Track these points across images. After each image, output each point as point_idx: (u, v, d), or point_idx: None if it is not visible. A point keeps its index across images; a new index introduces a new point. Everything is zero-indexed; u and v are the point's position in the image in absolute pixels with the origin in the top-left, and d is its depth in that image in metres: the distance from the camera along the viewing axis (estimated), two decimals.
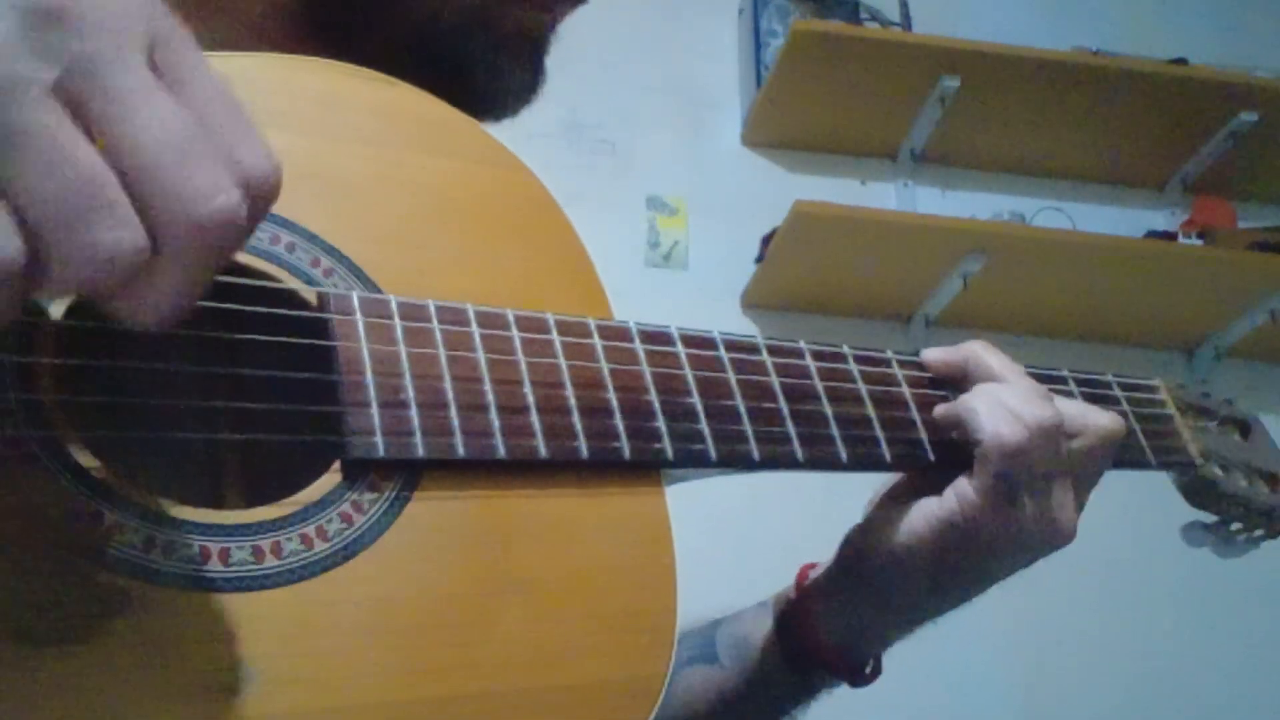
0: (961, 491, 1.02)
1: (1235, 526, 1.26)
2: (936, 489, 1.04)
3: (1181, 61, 3.83)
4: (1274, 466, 1.27)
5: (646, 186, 3.72)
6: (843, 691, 1.13)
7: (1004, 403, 1.03)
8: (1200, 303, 3.72)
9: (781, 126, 3.80)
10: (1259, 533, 1.27)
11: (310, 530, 0.81)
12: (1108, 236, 3.66)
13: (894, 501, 1.07)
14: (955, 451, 1.06)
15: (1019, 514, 1.01)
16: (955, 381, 1.08)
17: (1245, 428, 1.28)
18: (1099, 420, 1.07)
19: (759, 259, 3.60)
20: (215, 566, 0.77)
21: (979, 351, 1.08)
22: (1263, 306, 3.67)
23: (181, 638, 0.74)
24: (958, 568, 1.04)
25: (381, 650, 0.80)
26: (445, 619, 0.83)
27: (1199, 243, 3.73)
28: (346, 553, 0.81)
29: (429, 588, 0.83)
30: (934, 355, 1.09)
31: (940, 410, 1.06)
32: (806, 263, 3.47)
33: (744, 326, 3.64)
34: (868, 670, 1.10)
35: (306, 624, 0.78)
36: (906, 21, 3.87)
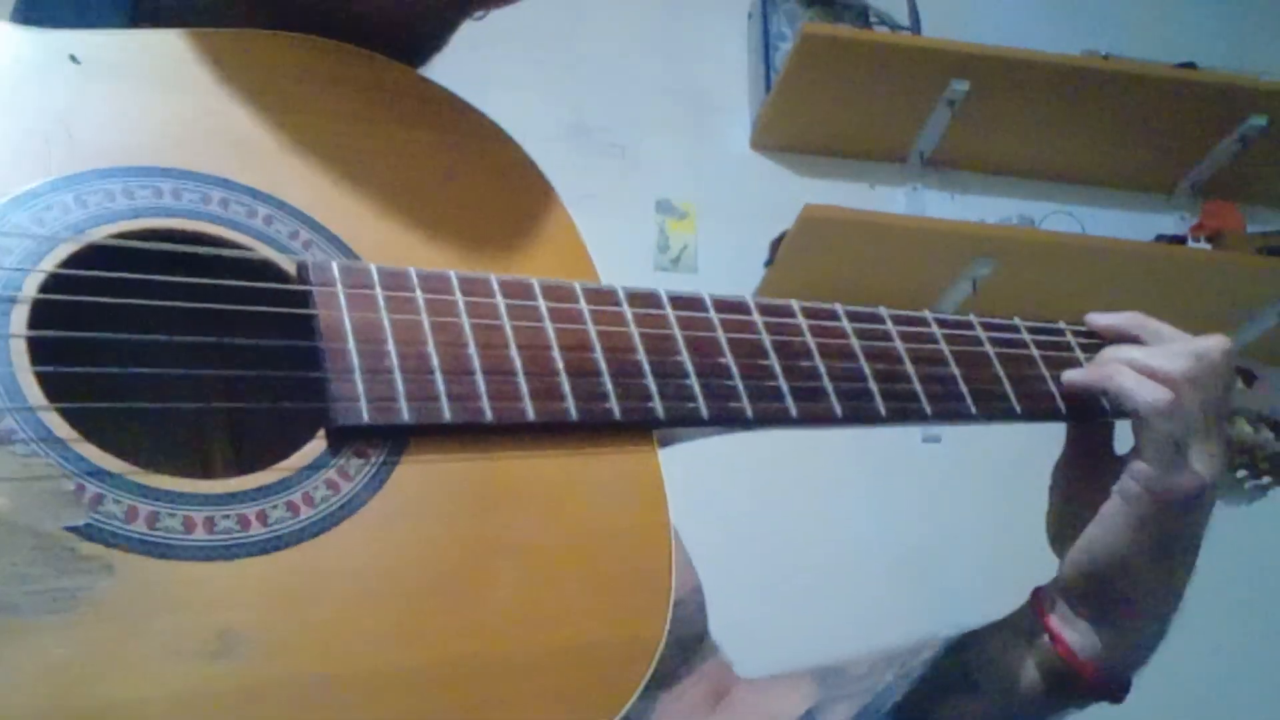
0: (1136, 470, 1.04)
1: (1241, 474, 1.26)
2: (1096, 455, 1.08)
3: (1191, 66, 3.82)
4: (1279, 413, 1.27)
5: (656, 190, 3.72)
6: None
7: (1142, 365, 1.07)
8: (1209, 306, 3.71)
9: (791, 130, 3.80)
10: (1266, 480, 1.27)
11: (296, 498, 0.81)
12: (1117, 240, 3.66)
13: (1075, 511, 1.08)
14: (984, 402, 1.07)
15: (1196, 462, 1.03)
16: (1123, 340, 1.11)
17: (1250, 376, 1.28)
18: (1214, 346, 1.09)
19: (768, 262, 3.60)
20: (200, 535, 0.77)
21: (1141, 318, 1.13)
22: (1271, 310, 3.67)
23: (168, 605, 0.74)
24: (1172, 539, 1.05)
25: (374, 616, 0.80)
26: (437, 584, 0.83)
27: (1208, 247, 3.74)
28: (334, 519, 0.81)
29: (419, 553, 0.83)
30: (1099, 319, 1.15)
31: (1075, 377, 1.09)
32: (816, 266, 3.47)
33: None
34: (1127, 688, 1.11)
35: (296, 590, 0.78)
36: (916, 25, 3.86)
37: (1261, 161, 3.89)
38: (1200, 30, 4.15)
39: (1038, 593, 1.11)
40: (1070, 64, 3.72)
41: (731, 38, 3.97)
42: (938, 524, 3.34)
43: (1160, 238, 3.82)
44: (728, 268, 3.66)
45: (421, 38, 1.12)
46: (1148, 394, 1.04)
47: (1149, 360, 1.07)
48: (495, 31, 4.02)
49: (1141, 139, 3.87)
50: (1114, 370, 1.08)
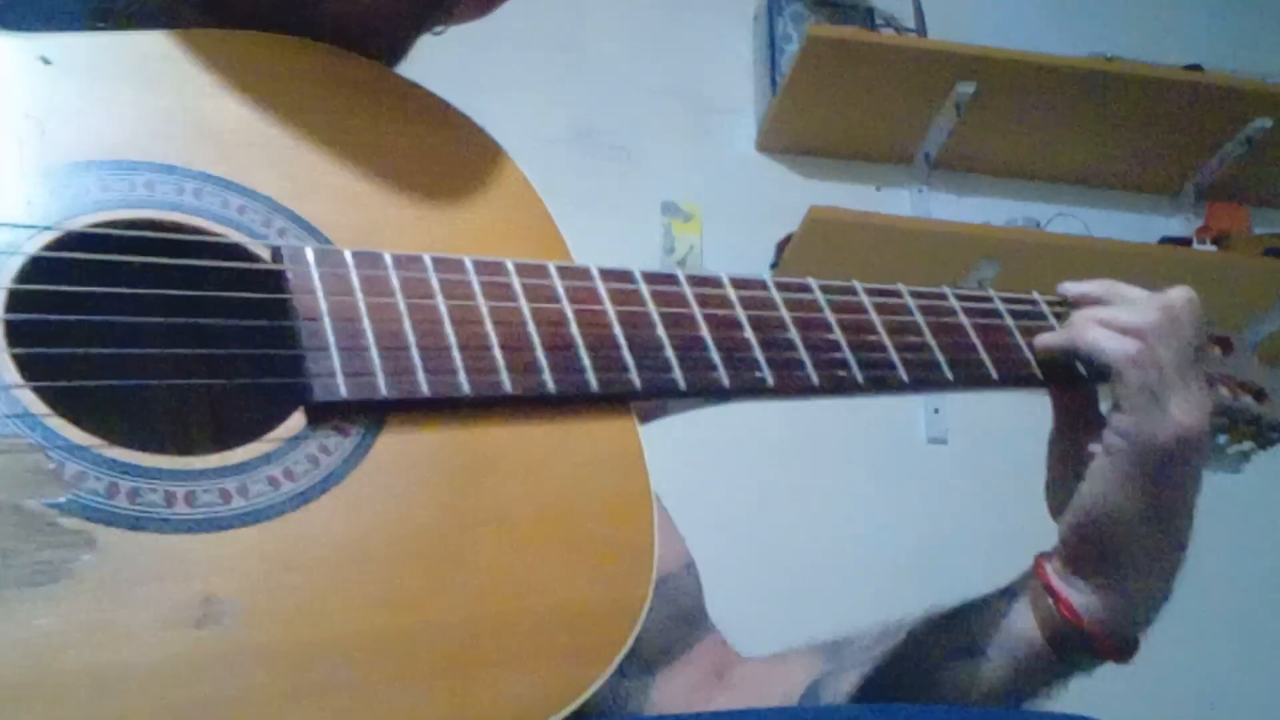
0: (1117, 422, 1.07)
1: (1223, 439, 1.27)
2: (1083, 421, 1.12)
3: (1196, 68, 3.83)
4: (1259, 380, 1.30)
5: (661, 192, 3.72)
6: None
7: (1110, 320, 1.10)
8: (1215, 308, 3.66)
9: (796, 132, 3.80)
10: (1248, 444, 1.28)
11: (277, 472, 0.82)
12: (1122, 242, 3.66)
13: (1067, 475, 1.11)
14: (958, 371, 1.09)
15: (1176, 410, 1.05)
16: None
17: (1226, 344, 1.31)
18: (1178, 296, 1.12)
19: (774, 265, 3.60)
20: (182, 509, 0.78)
21: (1110, 283, 1.16)
22: (1277, 311, 3.66)
23: (151, 576, 0.75)
24: (1161, 491, 1.06)
25: (357, 582, 0.80)
26: (420, 552, 0.83)
27: (1213, 248, 3.73)
28: (316, 491, 0.82)
29: (401, 523, 0.84)
30: (1070, 287, 1.18)
31: (1047, 339, 1.12)
32: (821, 268, 3.45)
33: None
34: (1134, 647, 1.12)
35: (280, 559, 0.79)
36: (921, 27, 3.86)
37: (1267, 163, 3.88)
38: (1206, 32, 4.15)
39: (1040, 557, 1.12)
40: (1076, 66, 3.72)
41: (737, 40, 3.97)
42: (943, 525, 3.33)
43: (1165, 240, 3.82)
44: (733, 269, 3.65)
45: (377, 50, 1.13)
46: (1117, 346, 1.08)
47: (1116, 315, 1.10)
48: (500, 35, 4.02)
49: (1147, 141, 3.87)
50: (1083, 328, 1.11)
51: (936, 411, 3.48)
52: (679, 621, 1.26)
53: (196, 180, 0.93)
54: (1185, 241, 3.79)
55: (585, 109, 3.76)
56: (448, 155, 1.08)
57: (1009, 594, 1.14)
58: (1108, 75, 3.73)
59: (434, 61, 4.01)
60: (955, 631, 1.15)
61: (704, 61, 3.93)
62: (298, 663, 0.75)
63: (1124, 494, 1.06)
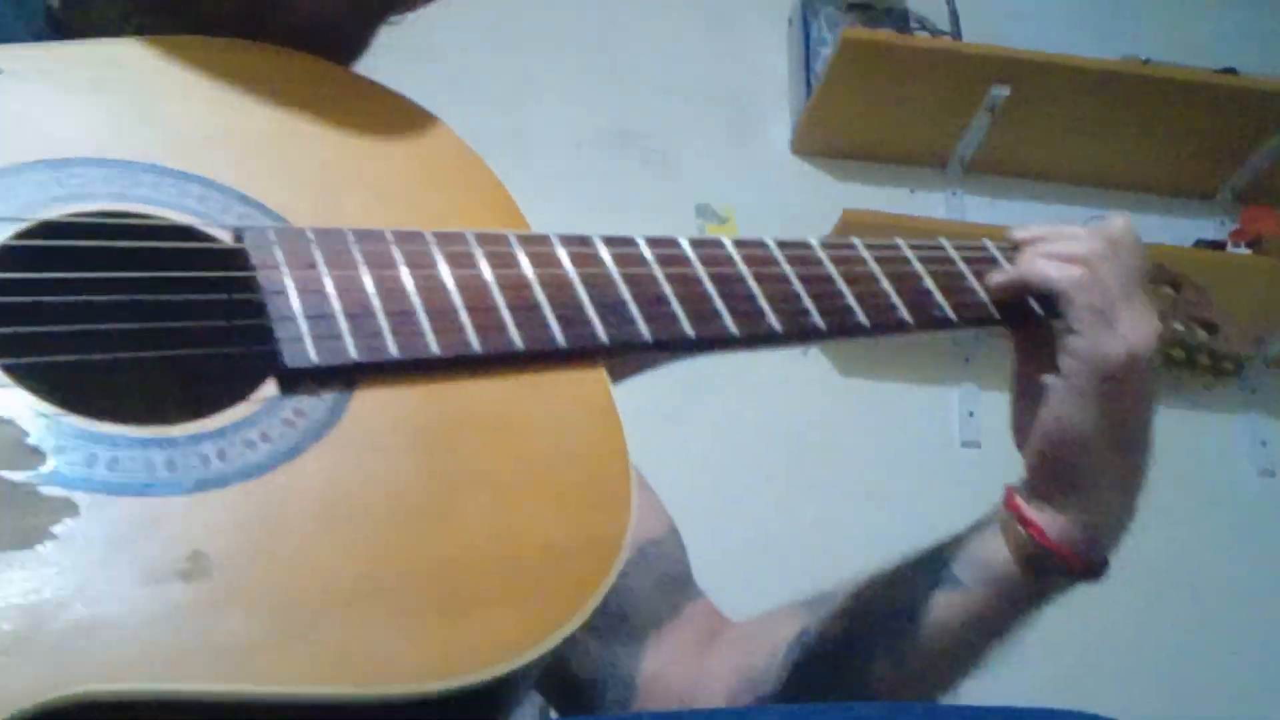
0: (1069, 345, 1.11)
1: (1177, 373, 1.32)
2: (1041, 355, 1.15)
3: (1231, 71, 3.82)
4: (1211, 315, 1.35)
5: (696, 194, 3.72)
6: None
7: (1053, 252, 1.15)
8: (1249, 311, 3.69)
9: (831, 135, 3.81)
10: (1205, 377, 1.34)
11: (254, 435, 0.83)
12: (1157, 246, 3.65)
13: (1030, 407, 1.14)
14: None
15: (1124, 328, 1.10)
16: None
17: (1178, 284, 1.37)
18: (1117, 223, 1.18)
19: None
20: (161, 474, 0.79)
21: (1055, 225, 1.21)
22: None
23: (136, 536, 0.76)
24: (1117, 409, 1.11)
25: (342, 534, 0.81)
26: (402, 504, 0.85)
27: (1248, 252, 3.72)
28: (294, 451, 0.83)
29: (382, 478, 0.86)
30: (1017, 232, 1.21)
31: (997, 277, 1.16)
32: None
33: None
34: (1104, 565, 1.17)
35: (264, 515, 0.80)
36: (956, 30, 3.86)
37: None
38: (1241, 35, 4.14)
39: (1009, 489, 1.17)
40: (1110, 69, 3.72)
41: (772, 43, 3.98)
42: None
43: (1200, 243, 3.82)
44: None
45: (340, 47, 1.17)
46: (1063, 273, 1.13)
47: (1060, 247, 1.16)
48: (536, 38, 4.04)
49: (1182, 144, 3.86)
50: (1030, 261, 1.16)
51: (971, 415, 3.49)
52: (666, 586, 1.29)
53: (153, 173, 0.95)
54: (1220, 245, 3.79)
55: (621, 112, 3.77)
56: (403, 142, 1.11)
57: (982, 527, 1.18)
58: (1142, 78, 3.73)
59: (470, 65, 4.03)
60: (934, 566, 1.18)
61: (739, 65, 3.93)
62: (287, 609, 0.76)
63: (1082, 415, 1.10)
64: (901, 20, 3.89)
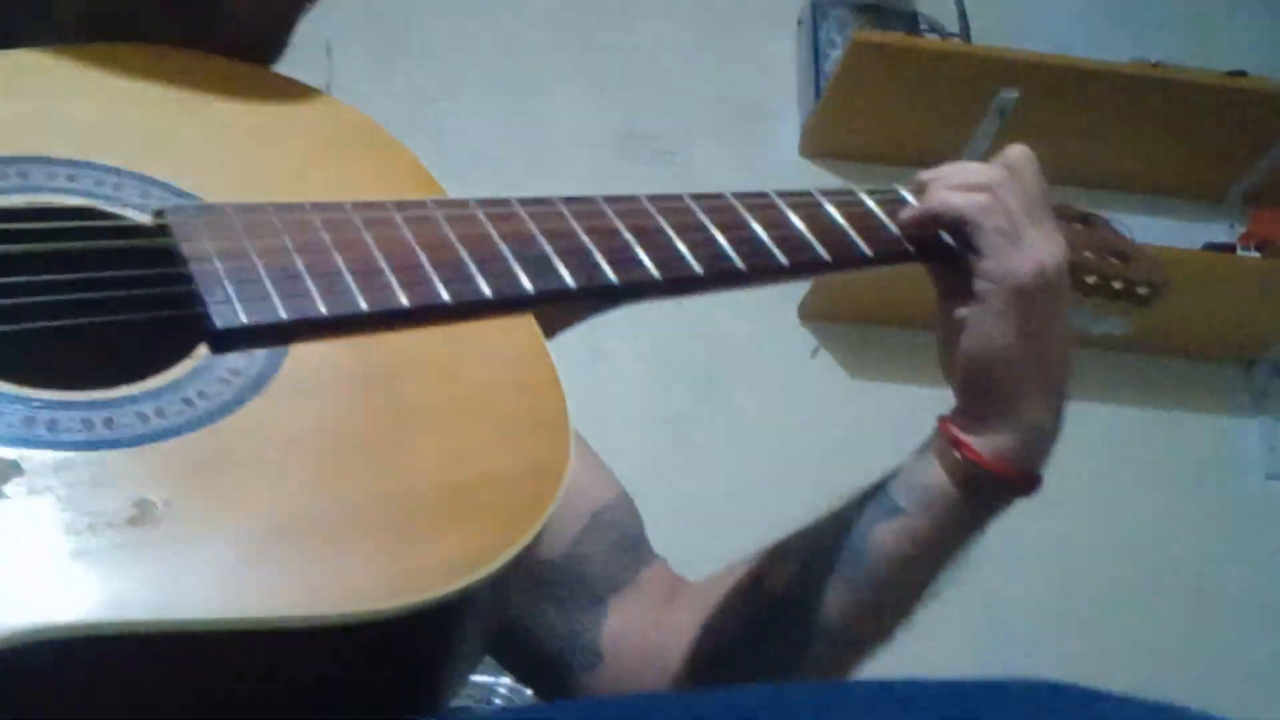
0: (981, 268, 1.16)
1: (1096, 300, 1.35)
2: (960, 290, 1.18)
3: (1241, 74, 3.81)
4: (1123, 246, 1.40)
5: None
6: None
7: (958, 183, 1.21)
8: (1259, 315, 3.70)
9: (840, 137, 3.81)
10: (1122, 303, 1.37)
11: (191, 394, 0.85)
12: (1165, 248, 3.63)
13: (954, 341, 1.19)
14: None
15: (1031, 248, 1.16)
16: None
17: (1085, 219, 1.41)
18: (1014, 150, 1.25)
19: None
20: (101, 432, 0.80)
21: (958, 163, 1.26)
22: None
23: (80, 488, 0.76)
24: (1033, 324, 1.15)
25: (290, 473, 0.83)
26: (346, 443, 0.86)
27: (1257, 255, 3.72)
28: (233, 405, 0.85)
29: (323, 421, 0.87)
30: (924, 174, 1.26)
31: (907, 213, 1.21)
32: (863, 274, 3.46)
33: (802, 337, 3.65)
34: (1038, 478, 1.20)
35: (209, 462, 0.81)
36: (965, 33, 3.86)
37: None
38: (1251, 38, 4.14)
39: (941, 418, 1.21)
40: (1120, 72, 3.72)
41: (781, 45, 3.98)
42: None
43: (1209, 246, 3.81)
44: None
45: (267, 45, 1.21)
46: (967, 199, 1.18)
47: (963, 177, 1.22)
48: (547, 39, 4.03)
49: (1191, 147, 3.86)
50: (936, 193, 1.21)
51: None
52: (621, 550, 1.31)
53: (69, 167, 0.97)
54: (1229, 248, 3.78)
55: (631, 113, 3.78)
56: (318, 127, 1.13)
57: (919, 455, 1.21)
58: (1151, 81, 3.73)
59: (482, 65, 4.03)
60: (877, 498, 1.21)
61: (748, 66, 3.94)
62: (240, 542, 0.77)
63: (1000, 334, 1.15)
64: (911, 22, 3.89)
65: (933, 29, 3.90)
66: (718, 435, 3.48)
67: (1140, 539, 3.52)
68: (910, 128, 3.78)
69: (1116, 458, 3.61)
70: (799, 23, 3.97)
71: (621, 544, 1.31)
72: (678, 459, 3.38)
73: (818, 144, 3.84)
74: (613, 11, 3.90)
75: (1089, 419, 3.60)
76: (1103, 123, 3.78)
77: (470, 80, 3.73)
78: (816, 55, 3.85)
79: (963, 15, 3.88)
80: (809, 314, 3.68)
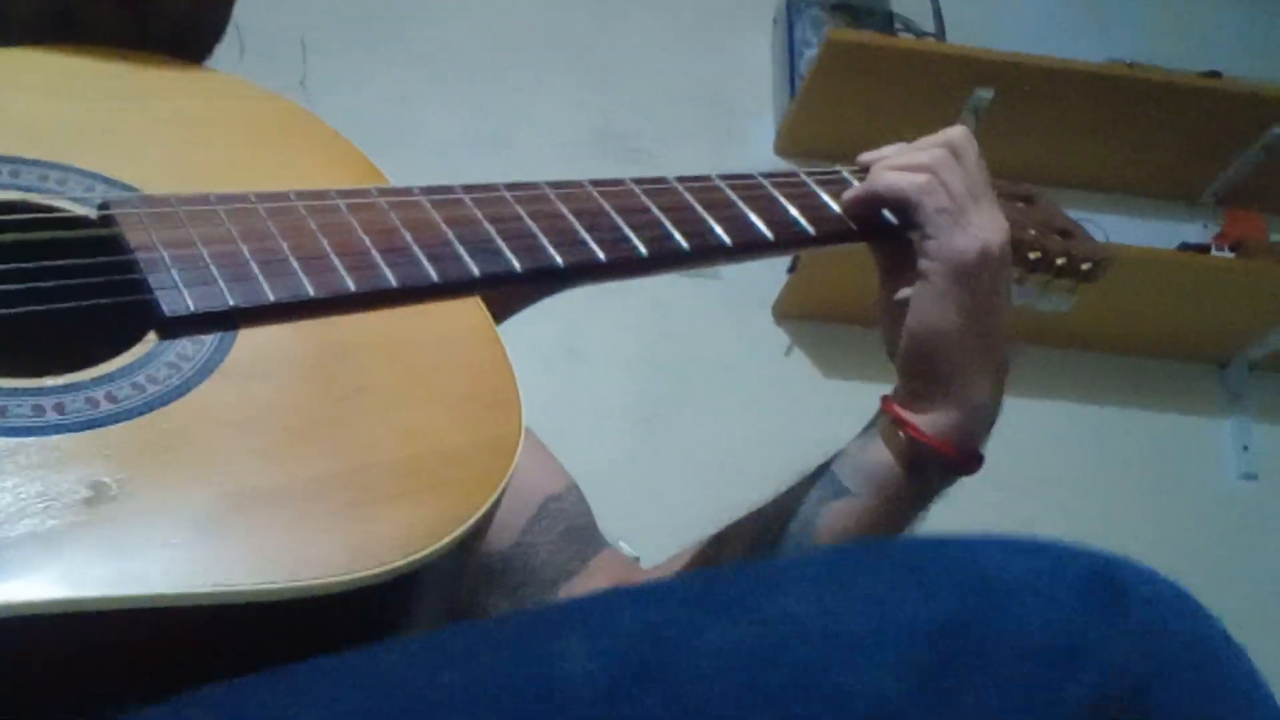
0: (924, 248, 1.18)
1: (1040, 276, 1.38)
2: (903, 269, 1.21)
3: (1216, 74, 3.82)
4: (1065, 224, 1.42)
5: None
6: None
7: (899, 164, 1.23)
8: (1233, 316, 3.71)
9: (815, 136, 3.80)
10: (1065, 279, 1.39)
11: (141, 379, 0.85)
12: (1140, 248, 3.66)
13: (897, 322, 1.21)
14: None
15: (973, 227, 1.18)
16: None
17: (1029, 198, 1.43)
18: (956, 131, 1.26)
19: (791, 269, 3.60)
20: (53, 417, 0.80)
21: (900, 145, 1.28)
22: None
23: (34, 471, 0.77)
24: (974, 302, 1.17)
25: (246, 451, 0.83)
26: (299, 422, 0.86)
27: (1231, 255, 3.73)
28: (184, 389, 0.85)
29: (277, 402, 0.87)
30: (867, 155, 1.30)
31: (850, 193, 1.23)
32: (839, 273, 3.47)
33: (776, 337, 3.65)
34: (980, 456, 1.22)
35: (162, 443, 0.81)
36: (941, 32, 3.86)
37: None
38: (1226, 39, 4.15)
39: (885, 398, 1.23)
40: (1095, 72, 3.73)
41: (756, 44, 3.97)
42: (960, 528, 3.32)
43: (1184, 246, 3.82)
44: (750, 274, 3.66)
45: (205, 38, 1.23)
46: (908, 180, 1.20)
47: (904, 158, 1.24)
48: (523, 38, 4.02)
49: (1166, 147, 3.87)
50: (878, 174, 1.23)
51: None
52: (571, 538, 1.31)
53: (11, 164, 0.97)
54: (1204, 248, 3.79)
55: (606, 112, 3.77)
56: (256, 119, 1.14)
57: (864, 436, 1.23)
58: (1126, 81, 3.74)
59: (459, 62, 4.02)
60: (822, 479, 1.23)
61: (723, 65, 3.93)
62: (196, 518, 0.77)
63: (942, 312, 1.17)
64: (886, 22, 3.89)
65: (908, 28, 3.90)
66: (692, 434, 3.48)
67: (1113, 539, 3.49)
68: (885, 127, 3.72)
69: (1090, 457, 3.62)
70: (774, 22, 3.97)
71: (571, 533, 1.32)
72: (652, 458, 3.37)
73: (793, 143, 3.83)
74: (588, 11, 3.90)
75: (1062, 419, 3.61)
76: (1078, 123, 3.78)
77: (445, 79, 3.72)
78: (791, 54, 3.85)
79: (938, 14, 3.88)
80: (783, 314, 3.67)
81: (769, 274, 3.64)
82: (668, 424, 3.46)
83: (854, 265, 3.46)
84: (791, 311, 3.66)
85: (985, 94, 3.64)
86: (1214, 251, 3.77)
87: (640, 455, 3.34)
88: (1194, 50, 3.98)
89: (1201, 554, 3.57)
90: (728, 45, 3.96)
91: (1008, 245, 1.20)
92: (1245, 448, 3.77)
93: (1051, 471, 3.40)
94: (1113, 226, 3.83)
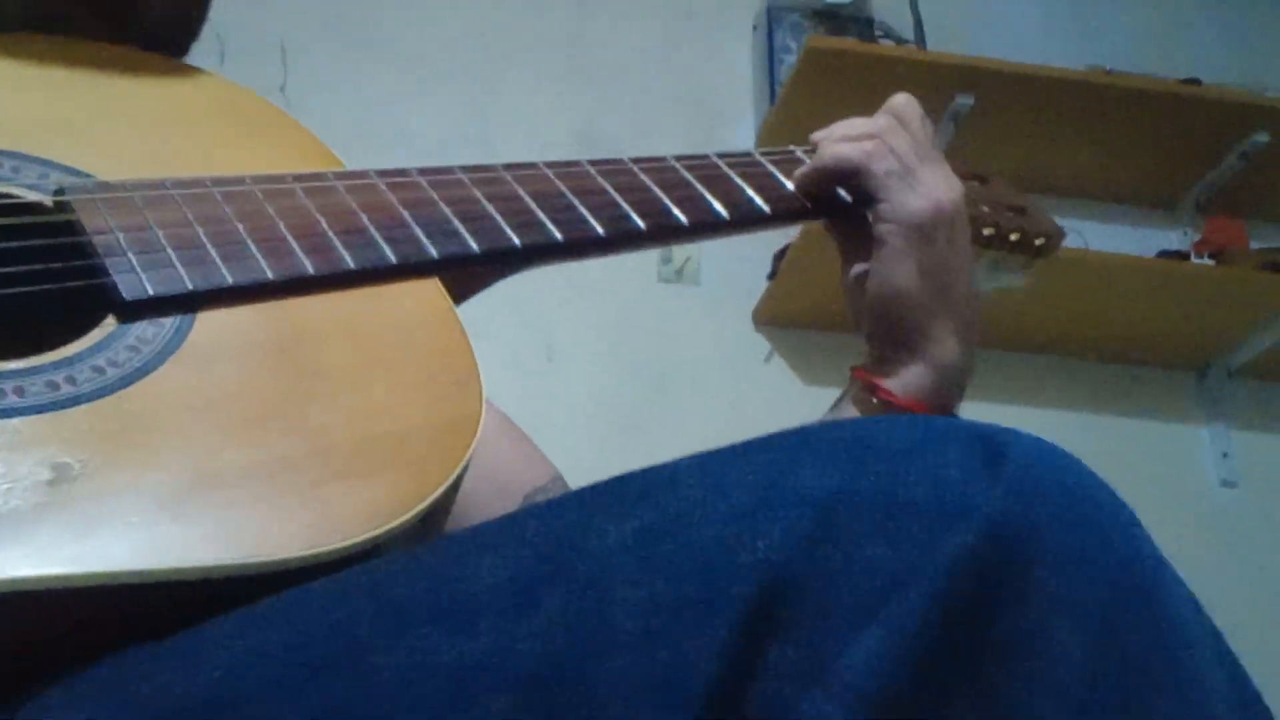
0: (879, 212, 1.19)
1: (994, 252, 1.39)
2: (862, 244, 1.21)
3: (1194, 82, 3.83)
4: (1019, 201, 1.43)
5: None
6: None
7: (845, 135, 1.25)
8: (1212, 323, 3.72)
9: (795, 142, 3.79)
10: (1018, 256, 1.40)
11: (100, 361, 0.85)
12: (1120, 256, 3.67)
13: (858, 286, 1.21)
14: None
15: (925, 186, 1.19)
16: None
17: (982, 179, 1.44)
18: (898, 99, 1.28)
19: (771, 275, 3.60)
20: (12, 400, 0.80)
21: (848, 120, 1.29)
22: (1274, 326, 3.67)
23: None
24: (933, 257, 1.18)
25: (206, 432, 0.83)
26: (259, 403, 0.86)
27: (1211, 262, 3.74)
28: (143, 372, 0.85)
29: (237, 384, 0.87)
30: (818, 134, 1.29)
31: (801, 170, 1.24)
32: (819, 280, 3.46)
33: (756, 343, 3.65)
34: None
35: (123, 426, 0.81)
36: (921, 39, 3.87)
37: (1265, 177, 3.89)
38: (1205, 46, 4.16)
39: (854, 367, 1.23)
40: (1075, 79, 3.73)
41: (736, 49, 3.98)
42: None
43: (1163, 253, 3.83)
44: (730, 280, 3.66)
45: (183, 35, 1.24)
46: (856, 148, 1.22)
47: (849, 129, 1.25)
48: (505, 39, 4.02)
49: (1145, 154, 3.88)
50: (827, 148, 1.24)
51: None
52: None
53: None
54: (1183, 255, 3.80)
55: (586, 115, 3.77)
56: (213, 107, 1.14)
57: (838, 405, 1.24)
58: (1106, 88, 3.74)
59: (440, 65, 4.02)
60: None
61: (704, 70, 3.93)
62: (159, 496, 0.77)
63: (903, 272, 1.17)
64: (866, 28, 3.89)
65: (888, 35, 3.91)
66: (670, 439, 3.45)
67: None
68: None
69: None
70: (754, 28, 3.97)
71: None
72: (629, 463, 3.35)
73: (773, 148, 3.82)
74: (570, 13, 3.90)
75: (1041, 426, 3.59)
76: (1057, 130, 3.79)
77: (427, 81, 3.71)
78: (771, 61, 3.85)
79: (918, 22, 3.88)
80: (763, 319, 3.67)
81: (749, 280, 3.64)
82: (647, 429, 3.46)
83: (835, 272, 3.45)
84: (771, 318, 3.66)
85: (965, 101, 3.65)
86: (1193, 258, 3.78)
87: (619, 460, 3.30)
88: (1173, 58, 3.99)
89: (1182, 561, 3.55)
90: (709, 49, 3.96)
91: (961, 203, 1.20)
92: (1225, 455, 3.77)
93: None
94: (1092, 233, 3.86)
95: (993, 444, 0.76)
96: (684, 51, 3.94)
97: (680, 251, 3.67)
